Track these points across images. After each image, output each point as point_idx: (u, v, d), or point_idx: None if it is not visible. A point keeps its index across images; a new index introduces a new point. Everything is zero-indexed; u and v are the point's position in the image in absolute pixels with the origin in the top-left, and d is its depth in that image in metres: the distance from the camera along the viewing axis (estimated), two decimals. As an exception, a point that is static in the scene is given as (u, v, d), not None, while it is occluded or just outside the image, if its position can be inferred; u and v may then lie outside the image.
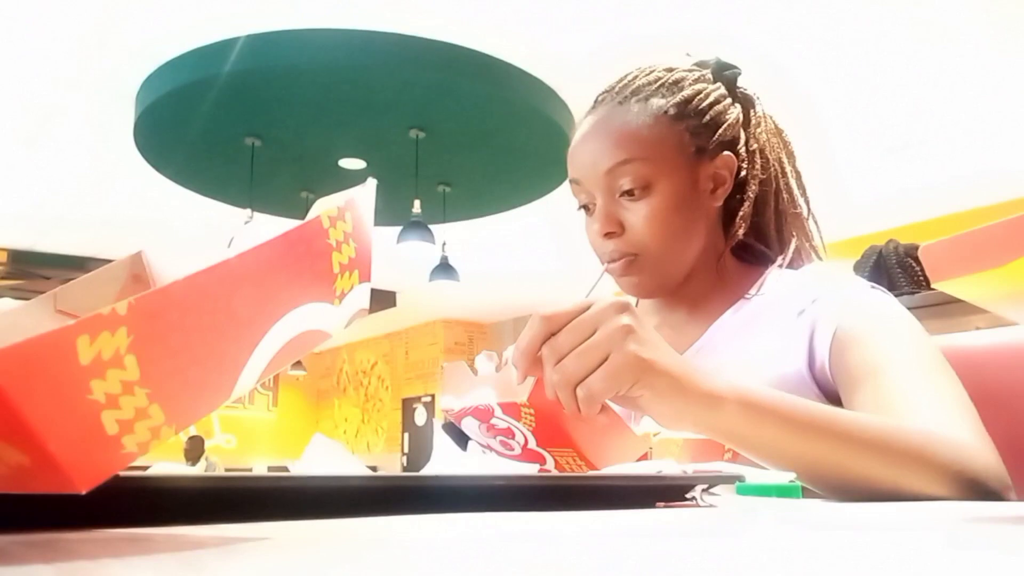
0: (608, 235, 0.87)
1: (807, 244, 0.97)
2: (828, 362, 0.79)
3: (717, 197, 0.91)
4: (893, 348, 0.76)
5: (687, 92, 0.90)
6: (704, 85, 0.92)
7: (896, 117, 4.36)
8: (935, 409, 0.69)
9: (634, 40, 3.61)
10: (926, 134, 4.57)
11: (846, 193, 5.37)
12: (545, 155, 4.50)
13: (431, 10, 3.51)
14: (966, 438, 0.67)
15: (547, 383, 0.60)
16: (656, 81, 0.91)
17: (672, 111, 0.88)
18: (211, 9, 3.48)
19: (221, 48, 3.72)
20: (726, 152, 0.91)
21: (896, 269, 2.01)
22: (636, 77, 0.93)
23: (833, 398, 0.80)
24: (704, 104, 0.90)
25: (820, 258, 0.97)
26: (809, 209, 0.98)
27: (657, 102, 0.89)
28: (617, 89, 0.92)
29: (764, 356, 0.84)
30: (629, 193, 0.86)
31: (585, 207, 0.91)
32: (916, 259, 2.04)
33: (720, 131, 0.91)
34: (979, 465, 0.64)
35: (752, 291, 0.90)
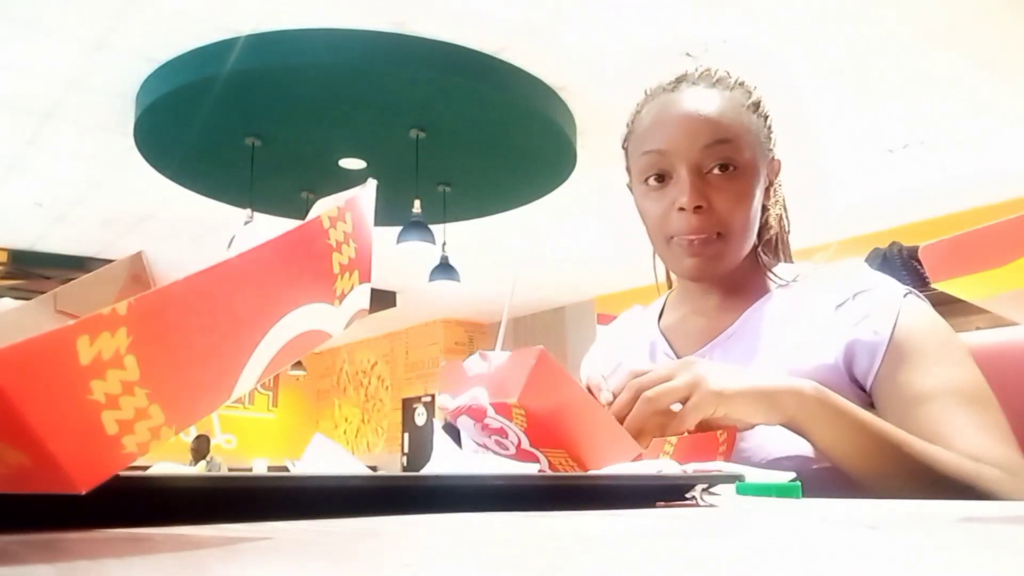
0: (697, 209, 0.88)
1: (789, 259, 1.04)
2: (878, 370, 0.83)
3: (767, 195, 0.97)
4: (948, 378, 0.80)
5: (756, 95, 0.96)
6: (759, 95, 0.98)
7: (896, 117, 4.37)
8: (987, 448, 0.76)
9: (635, 40, 3.62)
10: (926, 134, 4.57)
11: (846, 193, 5.37)
12: (545, 155, 4.51)
13: (431, 10, 3.51)
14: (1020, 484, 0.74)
15: (635, 412, 0.73)
16: (727, 77, 0.96)
17: (751, 106, 0.94)
18: (211, 9, 3.48)
19: (221, 48, 3.72)
20: (775, 159, 0.98)
21: (902, 271, 2.02)
22: (708, 70, 0.97)
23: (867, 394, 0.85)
24: (766, 111, 0.97)
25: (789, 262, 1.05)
26: (790, 228, 1.06)
27: (738, 94, 0.94)
28: (697, 76, 0.95)
29: (799, 346, 0.87)
30: (720, 171, 0.89)
31: (658, 178, 0.92)
32: (920, 260, 2.05)
33: (773, 137, 0.97)
34: None
35: (788, 277, 0.95)
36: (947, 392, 0.79)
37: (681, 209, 0.89)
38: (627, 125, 1.01)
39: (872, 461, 0.73)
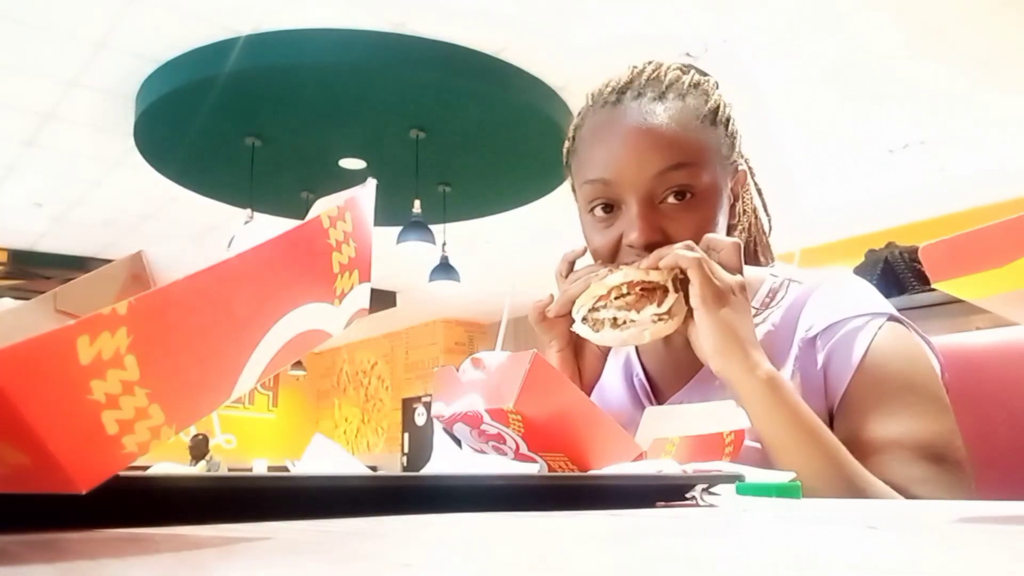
0: (651, 245, 0.77)
1: (771, 260, 0.95)
2: (840, 399, 0.77)
3: (733, 214, 0.87)
4: (909, 429, 0.74)
5: (715, 97, 0.84)
6: (719, 93, 0.86)
7: (896, 117, 4.37)
8: (938, 499, 0.71)
9: (635, 40, 3.62)
10: (926, 134, 4.57)
11: (845, 193, 5.37)
12: (545, 155, 4.50)
13: (431, 10, 3.51)
14: None
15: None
16: (679, 80, 0.84)
17: (709, 116, 0.82)
18: (211, 9, 3.48)
19: (221, 48, 3.72)
20: (740, 167, 0.87)
21: (906, 273, 2.03)
22: (658, 71, 0.85)
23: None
24: (727, 114, 0.85)
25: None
26: (770, 224, 0.96)
27: (693, 103, 0.82)
28: (644, 81, 0.83)
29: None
30: (677, 199, 0.78)
31: (605, 207, 0.82)
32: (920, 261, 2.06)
33: (737, 144, 0.86)
34: None
35: (766, 299, 0.85)
36: (905, 444, 0.73)
37: (632, 245, 0.78)
38: (569, 138, 0.89)
39: (803, 464, 0.69)
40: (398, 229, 4.44)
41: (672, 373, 0.89)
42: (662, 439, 0.70)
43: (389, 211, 4.64)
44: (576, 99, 4.48)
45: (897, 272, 2.10)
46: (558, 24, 3.59)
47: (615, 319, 0.75)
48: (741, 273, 0.76)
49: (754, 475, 0.60)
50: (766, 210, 0.95)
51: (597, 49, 3.73)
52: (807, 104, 4.16)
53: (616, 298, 0.75)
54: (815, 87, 4.03)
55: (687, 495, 0.53)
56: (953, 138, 4.61)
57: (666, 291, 0.75)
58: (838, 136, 4.56)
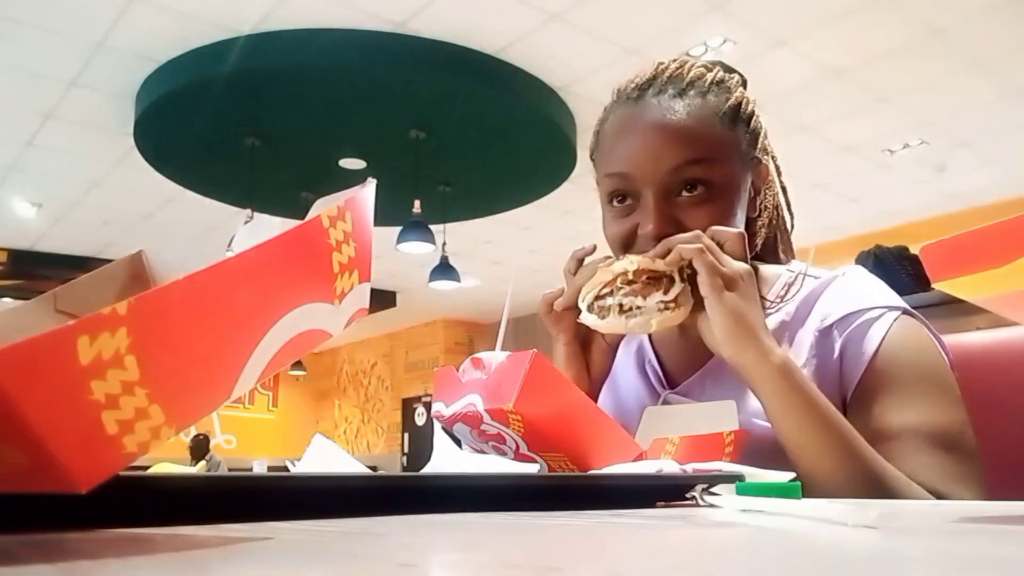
0: (663, 236, 0.79)
1: (791, 258, 0.96)
2: (854, 390, 0.78)
3: (754, 207, 0.88)
4: (922, 418, 0.74)
5: (736, 94, 0.86)
6: (742, 90, 0.88)
7: (896, 117, 4.37)
8: (949, 493, 0.71)
9: (635, 40, 3.62)
10: (926, 134, 4.57)
11: (845, 193, 5.37)
12: (545, 155, 4.51)
13: (432, 10, 3.51)
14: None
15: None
16: (701, 77, 0.86)
17: (729, 112, 0.84)
18: (211, 9, 3.48)
19: (221, 48, 3.72)
20: (763, 162, 0.88)
21: (895, 266, 2.05)
22: (681, 68, 0.86)
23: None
24: (749, 110, 0.87)
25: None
26: (792, 223, 0.96)
27: (714, 100, 0.84)
28: (666, 79, 0.85)
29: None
30: (691, 192, 0.81)
31: (622, 199, 0.84)
32: (909, 259, 2.08)
33: (760, 140, 0.88)
34: None
35: (781, 292, 0.86)
36: (918, 432, 0.74)
37: (646, 236, 0.81)
38: (594, 132, 0.92)
39: (818, 450, 0.70)
40: (398, 229, 4.44)
41: (685, 361, 0.90)
42: (662, 439, 0.70)
43: (389, 211, 4.64)
44: (576, 99, 4.49)
45: (886, 265, 2.11)
46: (559, 24, 3.59)
47: (621, 306, 0.75)
48: (747, 262, 0.76)
49: (754, 475, 0.60)
50: (789, 208, 0.96)
51: (598, 49, 3.73)
52: (807, 104, 4.16)
53: (623, 285, 0.75)
54: (815, 87, 4.03)
55: (687, 495, 0.53)
56: (953, 138, 4.61)
57: (672, 280, 0.75)
58: (838, 136, 4.56)
